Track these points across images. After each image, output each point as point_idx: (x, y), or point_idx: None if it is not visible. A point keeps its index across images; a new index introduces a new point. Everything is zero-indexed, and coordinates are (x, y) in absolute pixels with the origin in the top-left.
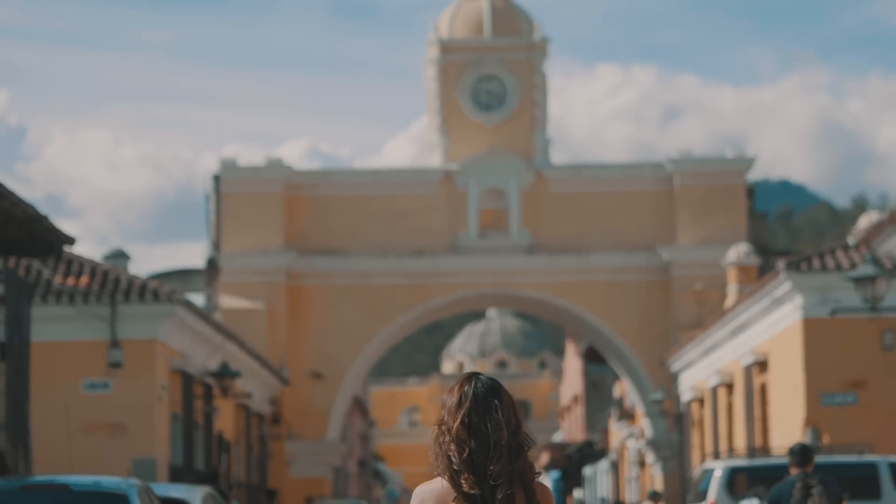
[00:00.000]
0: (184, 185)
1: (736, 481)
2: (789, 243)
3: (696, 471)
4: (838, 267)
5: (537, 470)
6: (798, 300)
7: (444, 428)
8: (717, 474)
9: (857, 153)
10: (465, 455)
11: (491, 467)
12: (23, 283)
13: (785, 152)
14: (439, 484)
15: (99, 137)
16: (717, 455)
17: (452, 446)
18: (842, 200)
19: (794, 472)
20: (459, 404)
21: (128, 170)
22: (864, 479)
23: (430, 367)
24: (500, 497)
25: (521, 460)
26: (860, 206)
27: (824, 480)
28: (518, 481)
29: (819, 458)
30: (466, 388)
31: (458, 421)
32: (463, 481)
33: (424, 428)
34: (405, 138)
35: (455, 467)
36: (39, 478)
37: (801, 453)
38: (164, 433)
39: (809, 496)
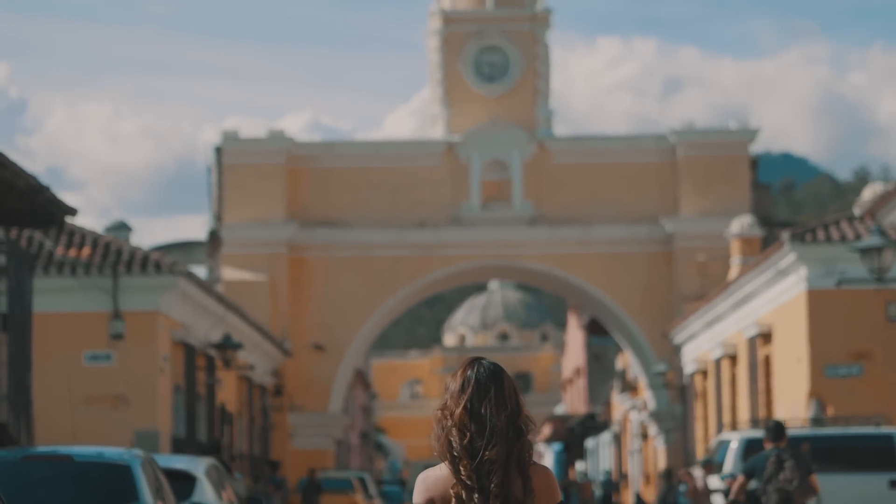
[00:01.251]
0: (185, 158)
1: (752, 452)
2: (791, 216)
3: (712, 442)
4: (843, 238)
5: (534, 453)
6: (802, 271)
7: (446, 412)
8: (734, 446)
9: (858, 126)
10: (465, 441)
11: (486, 454)
12: (24, 254)
13: (786, 125)
14: (442, 471)
15: (100, 110)
16: (733, 426)
17: (454, 431)
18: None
19: (768, 446)
20: (462, 390)
21: (129, 142)
22: (880, 451)
23: (431, 339)
24: (493, 485)
25: (520, 445)
26: (862, 178)
27: (796, 455)
28: (515, 468)
29: (835, 430)
30: (469, 373)
31: (461, 406)
32: (461, 468)
33: (426, 400)
34: (406, 111)
35: (455, 453)
36: (42, 448)
37: (776, 430)
38: (167, 405)
39: (782, 469)
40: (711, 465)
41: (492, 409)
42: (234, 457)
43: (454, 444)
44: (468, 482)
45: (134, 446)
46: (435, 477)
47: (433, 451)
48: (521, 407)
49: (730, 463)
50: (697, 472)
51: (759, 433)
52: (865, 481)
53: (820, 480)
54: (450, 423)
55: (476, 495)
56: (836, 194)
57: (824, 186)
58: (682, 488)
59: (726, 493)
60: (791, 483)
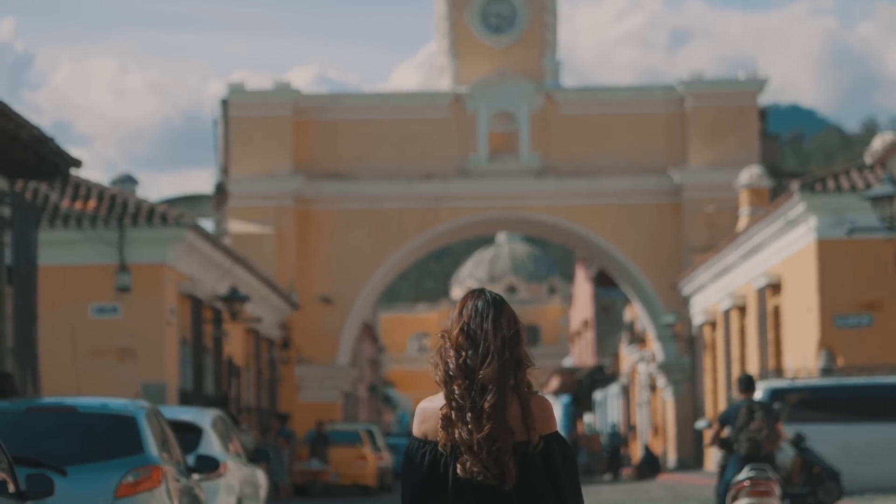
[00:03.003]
0: (191, 112)
1: (777, 402)
2: (800, 167)
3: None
4: (853, 187)
5: (535, 388)
6: (812, 221)
7: (445, 335)
8: (759, 395)
9: (866, 77)
10: (460, 360)
11: (481, 372)
12: (29, 206)
13: (794, 77)
14: (437, 402)
15: (106, 65)
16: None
17: (451, 352)
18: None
19: (740, 397)
20: (461, 313)
21: (135, 97)
22: None
23: (439, 293)
24: (487, 403)
25: (519, 374)
26: (870, 129)
27: (765, 406)
28: (512, 392)
29: (860, 380)
30: (470, 300)
31: (458, 328)
32: (455, 387)
33: (434, 349)
34: (413, 64)
35: (451, 373)
36: (46, 399)
37: (747, 382)
38: (174, 358)
39: (752, 419)
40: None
41: (489, 330)
42: (242, 409)
43: (450, 365)
44: (460, 401)
45: (141, 399)
46: (432, 408)
47: (432, 377)
48: (522, 337)
49: None
50: None
51: (784, 382)
52: (890, 431)
53: (845, 430)
54: (448, 344)
55: (469, 414)
56: (845, 146)
57: (833, 138)
58: None
59: (725, 441)
60: (760, 432)
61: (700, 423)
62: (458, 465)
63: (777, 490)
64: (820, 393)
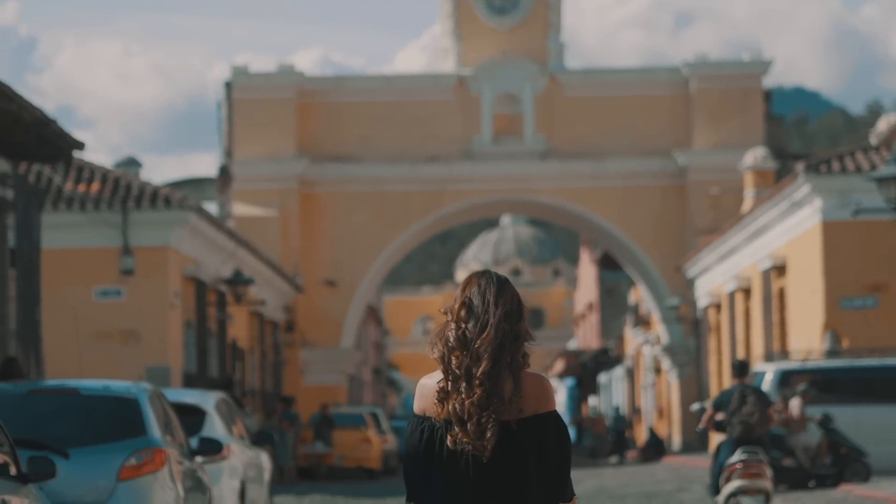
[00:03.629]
0: (195, 96)
1: (788, 384)
2: (804, 150)
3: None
4: (858, 169)
5: (531, 366)
6: (817, 203)
7: (448, 311)
8: (769, 377)
9: (871, 59)
10: (459, 332)
11: (478, 342)
12: (33, 188)
13: (798, 59)
14: (438, 377)
15: (110, 48)
16: (769, 357)
17: (451, 325)
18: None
19: (734, 382)
20: (464, 290)
21: (139, 80)
22: None
23: (444, 276)
24: (480, 371)
25: (516, 347)
26: (875, 111)
27: (757, 390)
28: (507, 366)
29: (870, 362)
30: (474, 278)
31: (460, 302)
32: (453, 358)
33: (437, 326)
34: (417, 48)
35: (451, 345)
36: (48, 382)
37: (740, 367)
38: (178, 340)
39: (745, 403)
40: (809, 394)
41: (490, 303)
42: (246, 392)
43: (450, 338)
44: (457, 371)
45: (143, 381)
46: (429, 385)
47: (429, 355)
48: (523, 314)
49: None
50: (795, 401)
51: (794, 364)
52: None
53: (856, 411)
54: (449, 318)
55: (463, 383)
56: (849, 128)
57: (837, 120)
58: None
59: (719, 424)
60: (752, 415)
61: (694, 407)
62: (449, 437)
63: (768, 472)
64: (830, 374)
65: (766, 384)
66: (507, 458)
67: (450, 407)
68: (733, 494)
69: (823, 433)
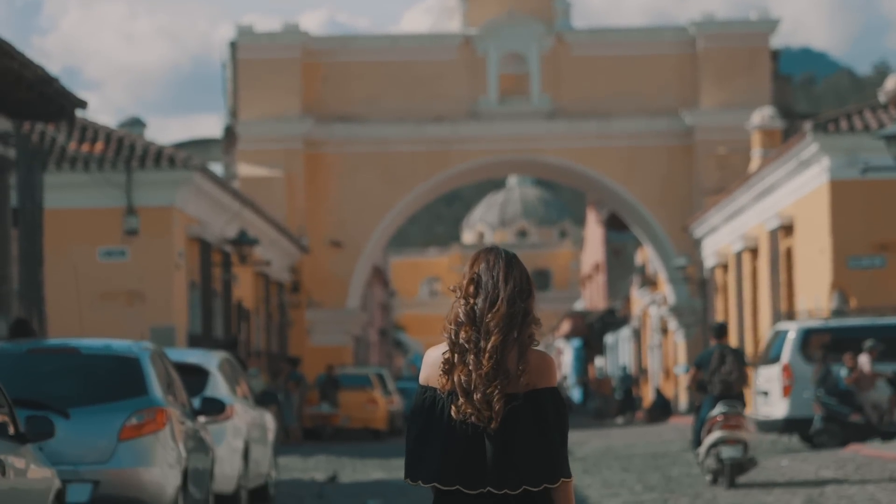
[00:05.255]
0: (200, 57)
1: (810, 343)
2: (812, 110)
3: (768, 332)
4: (866, 127)
5: (536, 340)
6: (825, 162)
7: (457, 288)
8: (791, 336)
9: (878, 19)
10: (468, 307)
11: (488, 317)
12: (35, 148)
13: (805, 19)
14: (441, 349)
15: (115, 9)
16: (790, 315)
17: (461, 301)
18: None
19: (713, 343)
20: (472, 266)
21: (144, 42)
22: None
23: (450, 237)
24: (490, 345)
25: (525, 324)
26: (882, 72)
27: (735, 351)
28: (515, 341)
29: (893, 320)
30: (483, 254)
31: (469, 279)
32: (462, 332)
33: (445, 298)
34: (423, 9)
35: (459, 320)
36: (48, 341)
37: (719, 329)
38: (182, 301)
39: (724, 362)
40: (875, 350)
41: (500, 279)
42: (252, 353)
43: (459, 314)
44: (465, 345)
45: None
46: (435, 356)
47: (443, 331)
48: (531, 291)
49: (787, 354)
50: (864, 357)
51: (817, 323)
52: None
53: (882, 370)
54: (458, 294)
55: (470, 356)
56: (856, 89)
57: (844, 81)
58: (842, 372)
59: (701, 383)
60: (731, 374)
61: (678, 369)
62: (453, 407)
63: (746, 424)
64: (851, 333)
65: (789, 343)
66: (509, 431)
67: (455, 378)
68: (714, 444)
69: (893, 391)
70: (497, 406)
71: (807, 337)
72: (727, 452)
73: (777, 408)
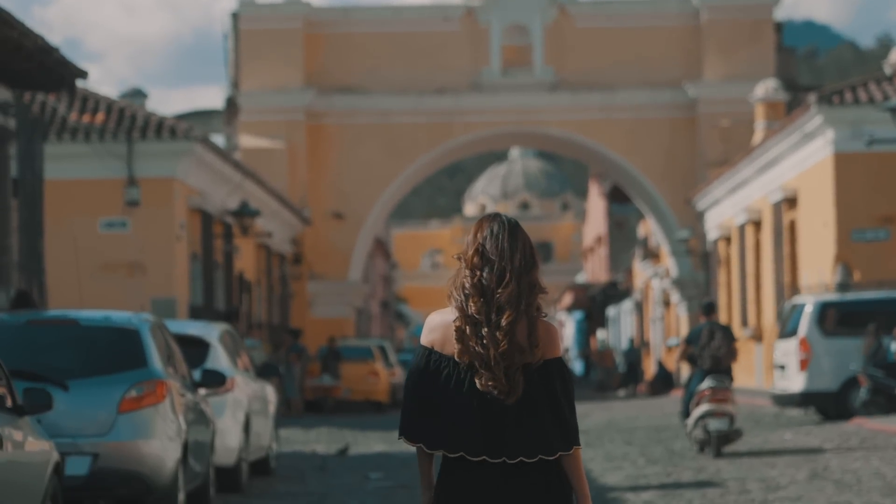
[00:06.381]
0: (202, 28)
1: (827, 317)
2: (815, 83)
3: (785, 305)
4: (871, 99)
5: (543, 312)
6: (829, 134)
7: (461, 257)
8: (808, 309)
9: None
10: (475, 279)
11: (499, 291)
12: (36, 118)
13: None
14: (448, 314)
15: None
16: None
17: (466, 272)
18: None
19: (702, 320)
20: (476, 236)
21: (146, 13)
22: None
23: (452, 209)
24: (504, 321)
25: (531, 295)
26: (885, 45)
27: (723, 327)
28: (524, 314)
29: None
30: (486, 223)
31: (474, 248)
32: (472, 304)
33: (447, 270)
34: None
35: (466, 292)
36: (47, 312)
37: (709, 307)
38: (184, 273)
39: (713, 338)
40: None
41: (506, 249)
42: (253, 325)
43: (466, 285)
44: (477, 316)
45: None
46: (440, 320)
47: (447, 299)
48: (536, 261)
49: (804, 327)
50: None
51: (833, 296)
52: None
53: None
54: (463, 264)
55: (485, 329)
56: (860, 61)
57: (847, 54)
58: (893, 346)
59: (691, 357)
60: (720, 349)
61: (670, 341)
62: (476, 380)
63: (733, 398)
64: (869, 307)
65: (806, 317)
66: (524, 401)
67: (471, 350)
68: (702, 417)
69: None
70: (517, 379)
71: (824, 310)
72: (714, 425)
73: (794, 381)
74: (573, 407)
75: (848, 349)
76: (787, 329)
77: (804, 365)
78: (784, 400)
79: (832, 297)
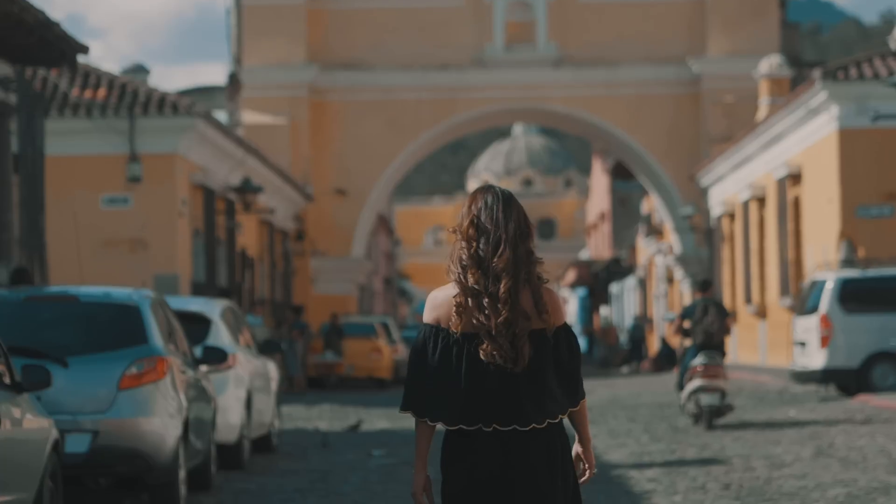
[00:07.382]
0: (204, 4)
1: (848, 294)
2: (819, 59)
3: (805, 282)
4: (876, 75)
5: (545, 279)
6: (834, 110)
7: (457, 230)
8: (829, 286)
9: None
10: (472, 250)
11: (495, 261)
12: (37, 94)
13: None
14: (449, 290)
15: None
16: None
17: (463, 243)
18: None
19: (697, 296)
20: (471, 208)
21: None
22: None
23: (455, 186)
24: (502, 290)
25: (530, 263)
26: (889, 21)
27: (717, 304)
28: (524, 281)
29: None
30: (480, 195)
31: (469, 220)
32: (470, 275)
33: (449, 246)
34: None
35: (463, 263)
36: (47, 288)
37: (704, 284)
38: (186, 249)
39: (707, 314)
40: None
41: (500, 220)
42: (255, 301)
43: (463, 256)
44: (476, 287)
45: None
46: (443, 296)
47: (446, 273)
48: (531, 231)
49: (825, 304)
50: None
51: (854, 273)
52: None
53: None
54: (459, 237)
55: (485, 300)
56: (863, 38)
57: (851, 30)
58: None
59: (686, 332)
60: (713, 325)
61: (667, 316)
62: (481, 350)
63: (724, 373)
64: (891, 283)
65: (827, 294)
66: (532, 369)
67: (474, 322)
68: (694, 391)
69: None
70: (524, 348)
71: (845, 287)
72: (706, 399)
73: (815, 358)
74: (580, 368)
75: (869, 326)
76: (807, 306)
77: (825, 342)
78: (804, 377)
79: (854, 273)
